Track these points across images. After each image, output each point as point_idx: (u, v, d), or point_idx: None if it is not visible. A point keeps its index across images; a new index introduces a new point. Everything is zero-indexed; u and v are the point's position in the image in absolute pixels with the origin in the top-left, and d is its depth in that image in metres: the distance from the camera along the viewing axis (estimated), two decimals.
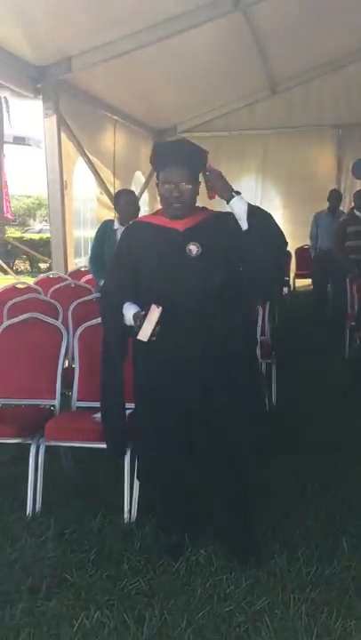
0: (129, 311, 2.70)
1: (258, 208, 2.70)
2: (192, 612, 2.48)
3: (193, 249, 2.67)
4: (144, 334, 2.56)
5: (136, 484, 3.19)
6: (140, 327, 2.57)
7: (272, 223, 2.70)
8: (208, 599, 2.56)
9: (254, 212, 2.65)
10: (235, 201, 2.65)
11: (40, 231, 22.42)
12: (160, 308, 2.54)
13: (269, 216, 2.72)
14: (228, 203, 2.67)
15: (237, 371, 2.72)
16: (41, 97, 6.30)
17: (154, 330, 2.55)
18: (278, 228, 2.73)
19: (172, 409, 2.71)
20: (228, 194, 2.65)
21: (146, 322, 2.56)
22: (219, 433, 2.69)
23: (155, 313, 2.54)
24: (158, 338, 2.57)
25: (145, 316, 2.57)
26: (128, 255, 2.79)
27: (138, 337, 2.59)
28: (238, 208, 2.64)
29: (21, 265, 17.89)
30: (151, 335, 2.56)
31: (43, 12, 5.23)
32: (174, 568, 2.76)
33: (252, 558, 2.79)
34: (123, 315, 2.73)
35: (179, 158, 2.66)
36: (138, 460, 2.96)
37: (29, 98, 6.23)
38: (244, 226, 2.63)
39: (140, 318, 2.59)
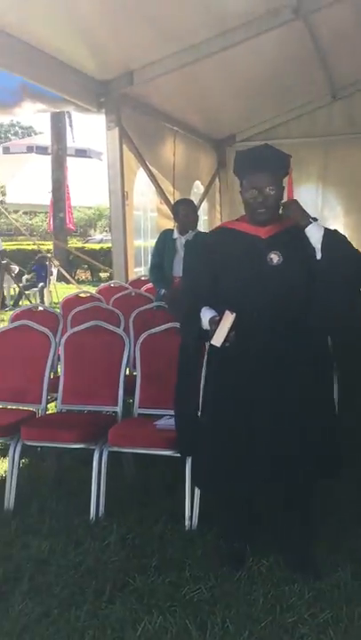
0: (205, 316, 2.73)
1: (335, 233, 2.69)
2: (254, 621, 2.47)
3: (274, 257, 2.68)
4: (217, 339, 2.59)
5: (197, 491, 3.21)
6: (214, 332, 2.61)
7: (348, 250, 2.67)
8: (270, 609, 2.54)
9: (330, 242, 2.62)
10: (311, 228, 2.65)
11: (100, 241, 22.88)
12: (234, 314, 2.56)
13: (346, 242, 2.69)
14: (304, 230, 2.66)
15: (310, 381, 2.70)
16: (104, 110, 6.44)
17: (227, 335, 2.58)
18: (356, 254, 2.70)
19: (243, 416, 2.71)
20: (306, 220, 2.65)
21: (219, 327, 2.59)
22: (287, 443, 2.68)
23: (229, 319, 2.57)
24: (232, 344, 2.59)
25: (219, 321, 2.60)
26: (208, 260, 2.83)
27: (211, 342, 2.63)
28: (314, 236, 2.64)
29: (82, 274, 18.28)
30: (225, 341, 2.58)
31: (105, 28, 5.36)
32: (236, 577, 2.76)
33: (314, 571, 2.75)
34: (200, 319, 2.76)
35: (262, 163, 2.68)
36: (201, 467, 2.97)
37: (92, 112, 6.38)
38: (318, 255, 2.63)
39: (214, 323, 2.62)
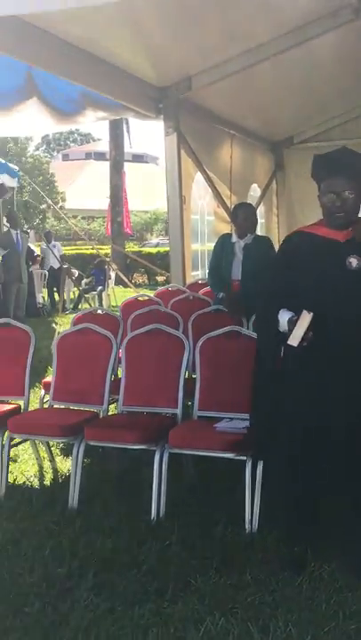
0: (283, 317, 2.75)
1: None
2: (317, 627, 2.46)
3: (353, 262, 2.69)
4: (295, 339, 2.62)
5: (257, 494, 3.21)
6: (291, 332, 2.64)
7: None
8: (333, 615, 2.52)
9: None
10: None
11: (157, 245, 23.09)
12: (311, 313, 2.59)
13: None
14: None
15: None
16: (162, 116, 6.52)
17: (305, 335, 2.60)
18: None
19: (318, 416, 2.72)
20: None
21: (297, 327, 2.62)
22: (359, 446, 2.66)
23: (306, 318, 2.60)
24: (309, 345, 2.61)
25: (297, 321, 2.62)
26: (286, 264, 2.86)
27: (288, 341, 2.66)
28: None
29: (139, 278, 18.49)
30: (302, 340, 2.61)
31: (164, 34, 5.43)
32: (297, 582, 2.75)
33: None
34: (277, 321, 2.78)
35: (340, 167, 2.69)
36: (269, 469, 2.96)
37: (151, 118, 6.47)
38: None
39: (292, 323, 2.65)
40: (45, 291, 13.28)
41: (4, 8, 2.64)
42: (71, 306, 12.56)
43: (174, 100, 6.46)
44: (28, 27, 4.44)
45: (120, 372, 4.13)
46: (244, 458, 3.29)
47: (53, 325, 9.94)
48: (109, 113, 6.41)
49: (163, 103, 6.43)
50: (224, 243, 5.19)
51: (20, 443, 4.01)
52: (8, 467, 3.78)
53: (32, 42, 4.59)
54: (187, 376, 4.11)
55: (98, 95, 5.77)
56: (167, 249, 16.34)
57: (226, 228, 8.07)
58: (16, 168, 9.49)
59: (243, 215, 5.07)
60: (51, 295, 13.28)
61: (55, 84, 5.52)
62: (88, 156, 44.34)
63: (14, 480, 3.91)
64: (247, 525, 3.21)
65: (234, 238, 5.11)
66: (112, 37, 5.17)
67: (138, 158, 40.63)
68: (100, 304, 12.28)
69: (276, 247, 3.93)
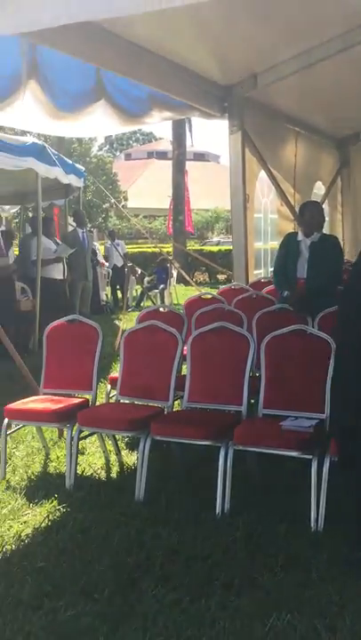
0: None
1: None
2: None
3: None
4: None
5: (323, 492, 3.20)
6: None
7: None
8: None
9: None
10: None
11: (218, 243, 23.09)
12: None
13: None
14: None
15: None
16: (227, 115, 6.54)
17: None
18: None
19: None
20: None
21: None
22: None
23: None
24: None
25: None
26: None
27: None
28: None
29: (200, 276, 18.55)
30: None
31: (229, 32, 5.44)
32: None
33: None
34: None
35: None
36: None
37: (216, 117, 6.50)
38: None
39: None
40: (109, 289, 13.52)
41: (79, 14, 2.72)
42: (133, 303, 12.75)
43: (239, 99, 6.47)
44: (96, 29, 4.54)
45: (184, 369, 4.19)
46: (310, 457, 3.28)
47: (116, 322, 10.11)
48: (175, 113, 6.48)
49: (228, 102, 6.45)
50: (289, 241, 5.17)
51: (87, 436, 4.13)
52: (77, 458, 3.90)
53: (101, 44, 4.70)
54: (250, 374, 4.13)
55: (164, 95, 5.84)
56: (228, 247, 16.35)
57: (289, 226, 8.02)
58: (82, 168, 9.70)
59: (309, 213, 5.03)
60: (114, 293, 13.53)
61: (123, 85, 5.63)
62: (150, 155, 44.76)
63: (82, 472, 4.03)
64: (313, 524, 3.20)
65: (300, 237, 5.08)
66: (178, 38, 5.23)
67: (199, 157, 40.71)
68: (162, 302, 12.41)
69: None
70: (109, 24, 4.61)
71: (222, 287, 7.21)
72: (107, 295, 13.12)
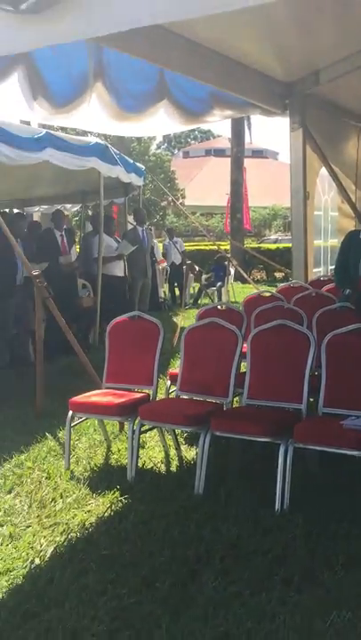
0: None
1: None
2: None
3: None
4: None
5: None
6: None
7: None
8: None
9: None
10: None
11: (276, 241, 22.87)
12: None
13: None
14: None
15: None
16: (288, 112, 6.51)
17: None
18: None
19: None
20: None
21: None
22: None
23: None
24: None
25: None
26: None
27: None
28: None
29: (257, 274, 18.44)
30: None
31: (291, 30, 5.41)
32: None
33: None
34: None
35: None
36: None
37: (277, 114, 6.47)
38: None
39: None
40: (167, 286, 13.64)
41: (147, 18, 2.78)
42: (190, 301, 12.82)
43: (301, 96, 6.43)
44: (159, 30, 4.61)
45: (242, 367, 4.21)
46: None
47: (174, 320, 10.21)
48: (236, 111, 6.50)
49: (289, 99, 6.41)
50: (351, 239, 5.10)
51: (148, 430, 4.21)
52: (138, 452, 3.99)
53: (163, 45, 4.76)
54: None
55: (225, 94, 5.87)
56: (287, 245, 16.19)
57: (350, 223, 7.90)
58: (142, 167, 9.82)
59: None
60: (171, 290, 13.64)
61: (184, 84, 5.69)
62: (208, 152, 44.80)
63: (143, 465, 4.12)
64: None
65: None
66: (240, 36, 5.23)
67: (257, 154, 40.44)
68: (220, 299, 12.43)
69: None
70: (172, 24, 4.67)
71: (281, 285, 7.18)
72: (164, 292, 13.24)
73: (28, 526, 3.34)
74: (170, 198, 17.74)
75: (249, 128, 18.84)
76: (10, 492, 3.76)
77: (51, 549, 3.08)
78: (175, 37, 4.84)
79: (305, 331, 4.07)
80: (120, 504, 3.56)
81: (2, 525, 3.35)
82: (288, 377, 3.94)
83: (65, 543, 3.15)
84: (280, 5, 4.96)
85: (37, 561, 3.00)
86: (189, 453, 4.32)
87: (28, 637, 2.45)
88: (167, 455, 4.30)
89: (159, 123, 6.11)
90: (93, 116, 5.30)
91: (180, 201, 28.73)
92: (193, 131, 51.72)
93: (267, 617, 2.52)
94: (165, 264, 13.33)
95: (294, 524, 3.21)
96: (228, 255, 14.03)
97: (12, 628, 2.50)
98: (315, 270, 7.74)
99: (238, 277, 14.45)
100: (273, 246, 19.97)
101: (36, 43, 3.16)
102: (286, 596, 2.65)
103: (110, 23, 2.75)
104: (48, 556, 3.04)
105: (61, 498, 3.66)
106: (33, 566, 2.96)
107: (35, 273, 5.33)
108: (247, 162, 20.55)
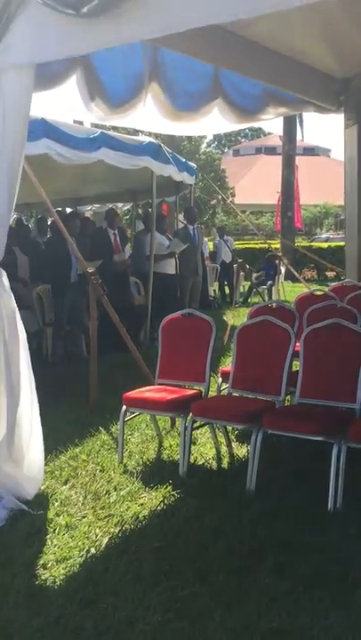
0: None
1: None
2: None
3: None
4: None
5: None
6: None
7: None
8: None
9: None
10: None
11: (327, 240, 22.58)
12: None
13: None
14: None
15: None
16: (342, 109, 6.43)
17: None
18: None
19: None
20: None
21: None
22: None
23: None
24: None
25: None
26: None
27: None
28: None
29: (308, 273, 18.25)
30: None
31: (346, 24, 5.33)
32: None
33: None
34: None
35: None
36: None
37: (331, 111, 6.40)
38: None
39: None
40: (217, 284, 13.65)
41: (203, 18, 2.82)
42: (241, 299, 12.80)
43: (357, 92, 6.32)
44: (213, 28, 4.62)
45: (295, 365, 4.20)
46: None
47: (224, 318, 10.21)
48: (290, 109, 6.45)
49: (344, 95, 6.32)
50: None
51: (200, 426, 4.25)
52: (190, 447, 4.03)
53: (218, 43, 4.76)
54: None
55: (280, 92, 5.84)
56: (338, 244, 15.94)
57: None
58: (194, 166, 9.86)
59: None
60: (222, 288, 13.65)
61: (238, 83, 5.69)
62: (258, 150, 44.50)
63: (194, 460, 4.16)
64: None
65: None
66: (295, 33, 5.18)
67: (309, 151, 39.91)
68: (270, 298, 12.36)
69: None
70: (226, 22, 4.67)
71: (333, 284, 7.10)
72: (214, 291, 13.26)
73: (84, 517, 3.42)
74: (219, 197, 17.70)
75: (301, 125, 18.53)
76: (65, 484, 3.86)
77: (105, 540, 3.16)
78: (230, 36, 4.85)
79: (359, 330, 4.02)
80: (172, 498, 3.61)
81: (58, 515, 3.44)
82: (341, 376, 3.91)
83: (119, 534, 3.22)
84: (335, 1, 4.90)
85: (93, 550, 3.08)
86: (240, 450, 4.34)
87: (84, 624, 2.53)
88: (218, 452, 4.32)
89: (213, 121, 6.12)
90: (148, 116, 5.36)
91: (230, 199, 28.67)
92: (243, 129, 51.45)
93: (322, 613, 2.52)
94: (210, 262, 13.33)
95: (347, 523, 3.20)
96: (279, 254, 13.92)
97: (70, 614, 2.58)
98: None
99: (289, 276, 14.34)
100: (324, 245, 19.74)
101: (97, 45, 3.25)
102: (340, 593, 2.64)
103: (168, 24, 2.79)
104: (103, 546, 3.11)
105: (115, 490, 3.74)
106: (89, 555, 3.04)
107: (90, 270, 5.44)
108: (298, 159, 20.31)
